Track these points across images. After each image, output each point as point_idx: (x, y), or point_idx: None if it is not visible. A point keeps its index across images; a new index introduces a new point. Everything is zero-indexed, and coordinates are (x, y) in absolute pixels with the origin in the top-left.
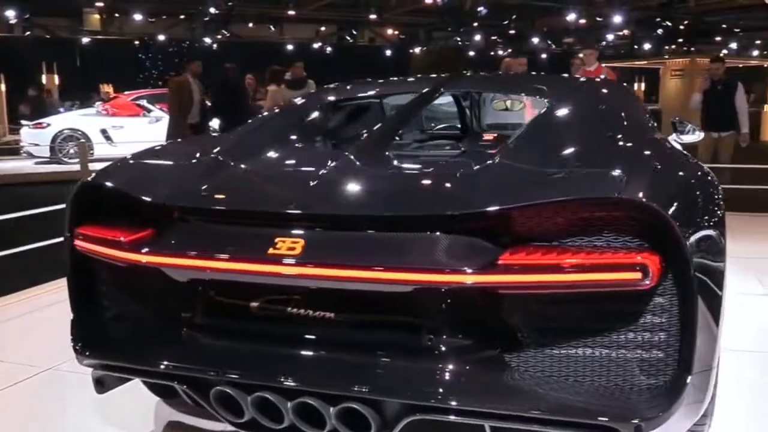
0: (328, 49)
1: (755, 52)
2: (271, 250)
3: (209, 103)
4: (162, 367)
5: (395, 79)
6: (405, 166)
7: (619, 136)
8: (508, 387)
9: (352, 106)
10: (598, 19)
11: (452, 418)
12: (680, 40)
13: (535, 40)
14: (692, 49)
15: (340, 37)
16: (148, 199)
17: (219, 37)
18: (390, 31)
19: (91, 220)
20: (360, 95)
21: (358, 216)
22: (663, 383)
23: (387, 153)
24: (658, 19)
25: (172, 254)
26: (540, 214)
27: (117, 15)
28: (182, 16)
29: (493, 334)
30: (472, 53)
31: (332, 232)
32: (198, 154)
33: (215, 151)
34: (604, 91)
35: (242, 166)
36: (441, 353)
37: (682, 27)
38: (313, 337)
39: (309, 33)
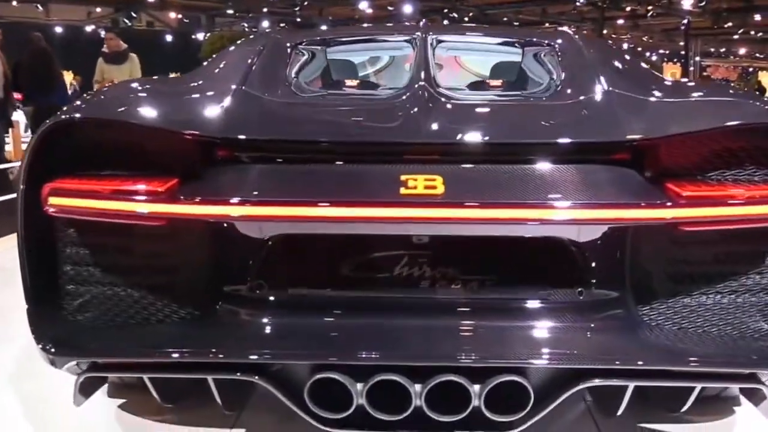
0: (102, 32)
1: None
2: (403, 190)
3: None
4: (211, 355)
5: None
6: (513, 101)
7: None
8: (656, 342)
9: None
10: (389, 8)
11: (616, 381)
12: None
13: (323, 28)
14: None
15: (114, 20)
16: (189, 132)
17: None
18: (173, 15)
19: (70, 171)
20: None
21: (502, 145)
22: None
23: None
24: (446, 11)
25: (258, 202)
26: (702, 143)
27: None
28: None
29: (641, 284)
30: None
31: (474, 166)
32: (214, 86)
33: (231, 84)
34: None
35: (297, 95)
36: (595, 309)
37: (467, 18)
38: (446, 300)
39: (80, 15)
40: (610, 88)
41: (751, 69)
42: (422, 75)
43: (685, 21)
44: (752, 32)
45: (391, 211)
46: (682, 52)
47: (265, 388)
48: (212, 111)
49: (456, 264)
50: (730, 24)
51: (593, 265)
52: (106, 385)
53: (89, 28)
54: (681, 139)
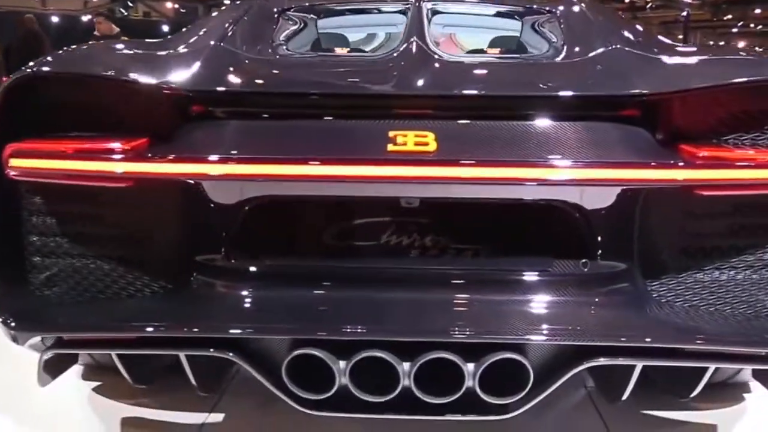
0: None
1: None
2: (391, 147)
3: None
4: (194, 330)
5: None
6: (513, 59)
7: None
8: (666, 319)
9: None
10: None
11: (623, 360)
12: None
13: None
14: None
15: (110, 9)
16: (160, 86)
17: None
18: (170, 5)
19: (33, 130)
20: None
21: (500, 98)
22: None
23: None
24: None
25: (234, 160)
26: (718, 100)
27: None
28: None
29: (650, 257)
30: None
31: (470, 122)
32: (190, 44)
33: (208, 41)
34: None
35: (280, 54)
36: (601, 282)
37: None
38: (437, 271)
39: (77, 5)
40: (618, 46)
41: None
42: (414, 35)
43: (684, 13)
44: (752, 25)
45: (377, 170)
46: None
47: (245, 369)
48: (185, 65)
49: (449, 231)
50: (729, 16)
51: (599, 234)
52: (81, 369)
53: (86, 18)
54: (696, 94)
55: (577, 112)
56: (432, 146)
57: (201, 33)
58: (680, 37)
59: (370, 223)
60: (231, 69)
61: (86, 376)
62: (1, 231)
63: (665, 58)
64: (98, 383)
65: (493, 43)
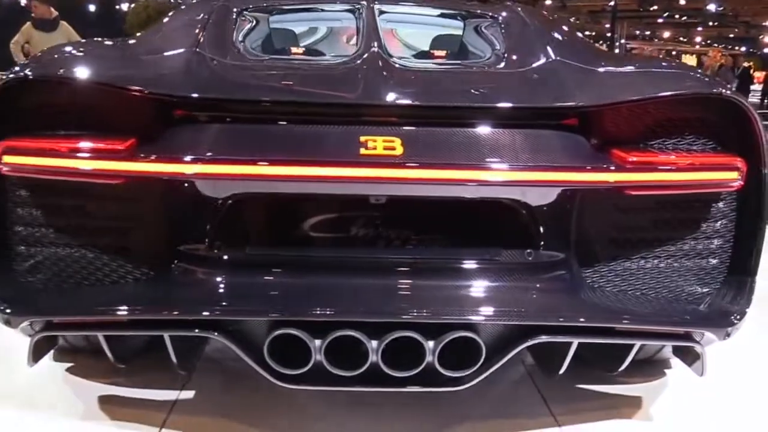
0: (23, 1)
1: None
2: (363, 151)
3: None
4: (180, 313)
5: None
6: (466, 70)
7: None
8: (598, 302)
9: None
10: None
11: (562, 338)
12: None
13: None
14: None
15: None
16: (148, 91)
17: None
18: None
19: (25, 130)
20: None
21: (458, 109)
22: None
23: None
24: None
25: (219, 160)
26: (645, 111)
27: None
28: None
29: (585, 247)
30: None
31: (433, 129)
32: (167, 48)
33: (184, 46)
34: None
35: (252, 59)
36: (543, 269)
37: None
38: (403, 260)
39: None
40: (558, 58)
41: (674, 52)
42: (374, 42)
43: (612, 3)
44: (676, 16)
45: (352, 171)
46: (608, 34)
47: (214, 350)
48: (169, 71)
49: (412, 225)
50: (655, 7)
51: (542, 228)
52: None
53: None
54: (627, 106)
55: (525, 121)
56: (399, 150)
57: (175, 36)
58: (607, 26)
59: (342, 218)
60: (210, 75)
61: (58, 358)
62: None
63: (600, 70)
64: (70, 365)
65: (435, 42)
